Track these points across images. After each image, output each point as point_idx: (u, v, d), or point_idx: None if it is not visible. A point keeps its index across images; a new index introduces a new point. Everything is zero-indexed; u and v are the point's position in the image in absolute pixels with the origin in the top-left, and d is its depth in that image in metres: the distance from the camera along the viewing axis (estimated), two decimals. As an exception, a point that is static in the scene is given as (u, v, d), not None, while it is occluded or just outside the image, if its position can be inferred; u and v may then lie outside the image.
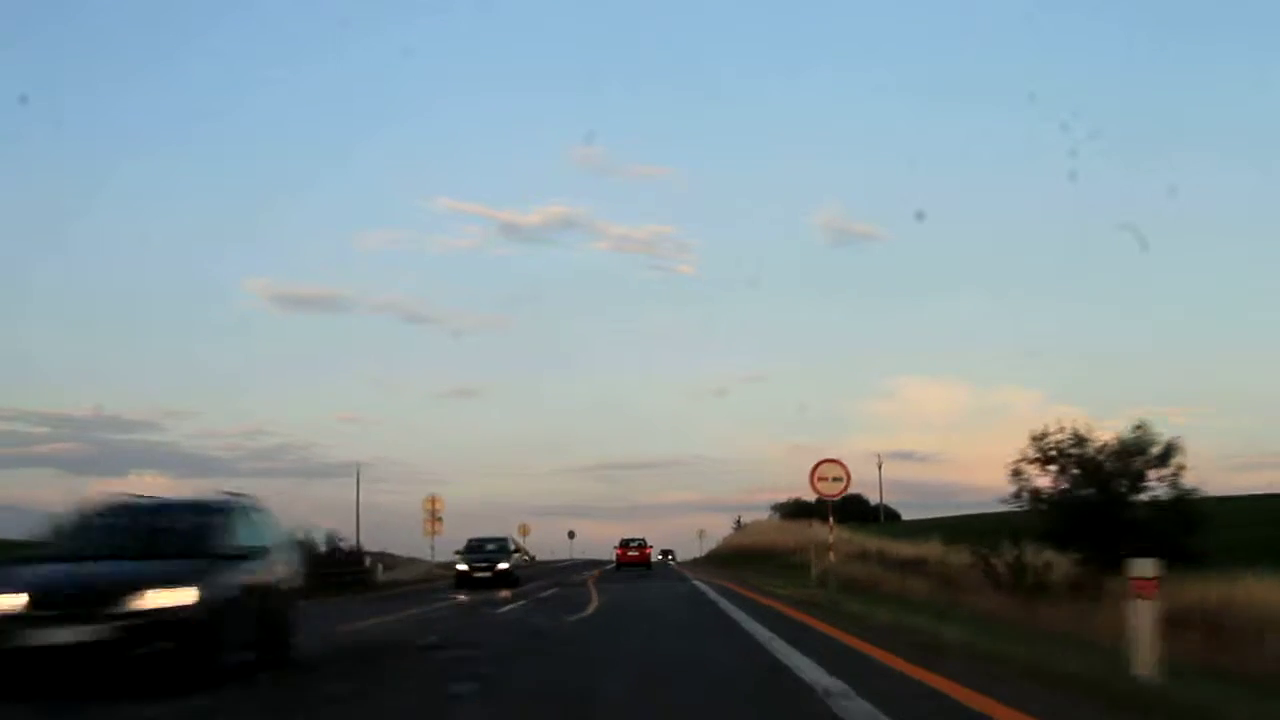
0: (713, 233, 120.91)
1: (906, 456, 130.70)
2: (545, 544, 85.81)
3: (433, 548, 40.48)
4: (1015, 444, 23.34)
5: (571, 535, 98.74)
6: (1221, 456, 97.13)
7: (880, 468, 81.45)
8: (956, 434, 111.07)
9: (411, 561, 50.00)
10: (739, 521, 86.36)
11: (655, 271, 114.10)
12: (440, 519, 41.64)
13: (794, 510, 75.57)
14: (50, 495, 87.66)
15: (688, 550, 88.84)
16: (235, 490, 11.04)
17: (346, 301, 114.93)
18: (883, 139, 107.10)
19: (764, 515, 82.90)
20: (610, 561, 57.97)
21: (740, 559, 58.00)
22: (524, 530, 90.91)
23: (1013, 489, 23.80)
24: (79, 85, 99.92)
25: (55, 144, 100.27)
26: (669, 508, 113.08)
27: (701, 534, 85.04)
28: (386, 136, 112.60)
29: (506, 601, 22.30)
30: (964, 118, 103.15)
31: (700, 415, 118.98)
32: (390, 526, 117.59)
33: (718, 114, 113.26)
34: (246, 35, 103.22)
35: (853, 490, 75.91)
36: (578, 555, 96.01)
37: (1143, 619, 7.66)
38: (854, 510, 67.64)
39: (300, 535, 18.38)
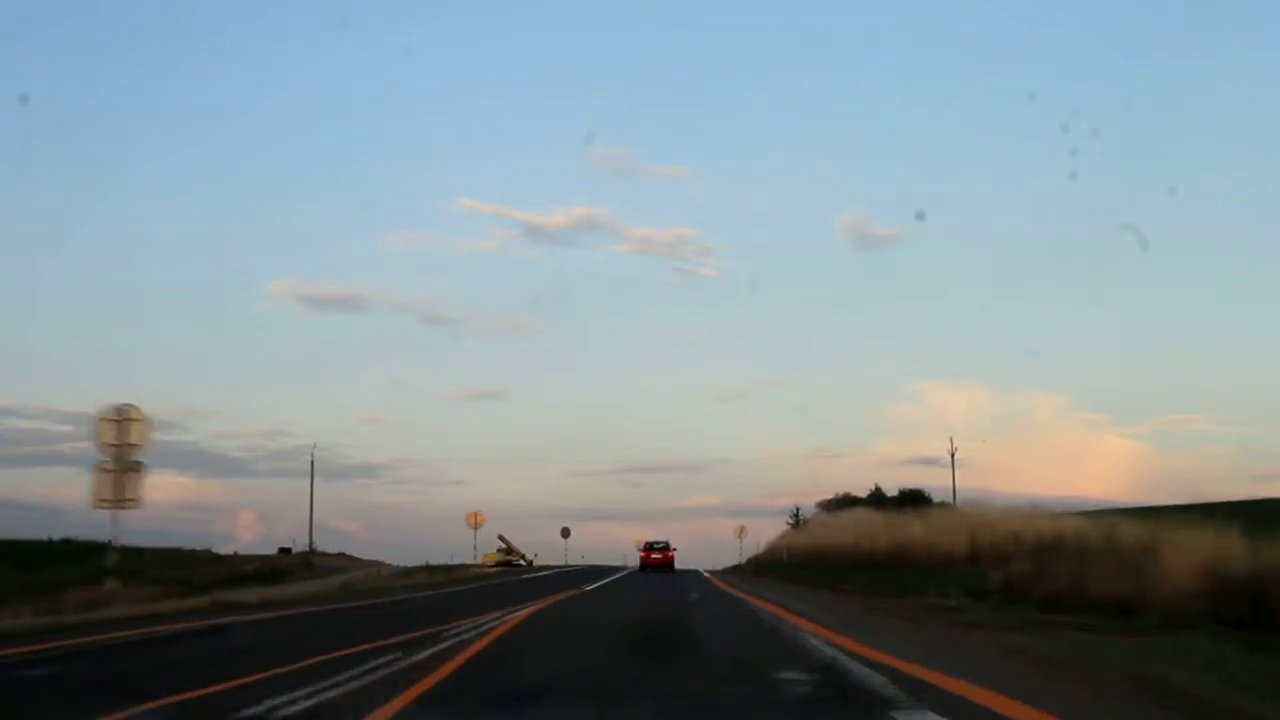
0: (735, 236, 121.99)
1: (931, 462, 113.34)
2: (558, 547, 73.57)
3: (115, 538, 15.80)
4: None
5: (565, 534, 74.75)
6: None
7: (954, 456, 62.36)
8: (980, 440, 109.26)
9: (371, 564, 46.34)
10: (798, 516, 60.77)
11: (678, 274, 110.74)
12: (139, 460, 16.16)
13: (846, 505, 61.38)
14: (73, 494, 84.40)
15: (710, 555, 67.97)
16: None
17: (368, 302, 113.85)
18: (886, 142, 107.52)
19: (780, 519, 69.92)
20: (614, 570, 48.66)
21: (836, 571, 32.58)
22: (476, 519, 65.98)
23: None
24: (100, 85, 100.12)
25: (76, 146, 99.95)
26: (689, 511, 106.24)
27: (742, 532, 59.40)
28: (409, 137, 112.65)
29: None
30: (964, 119, 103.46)
31: (721, 419, 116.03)
32: (403, 529, 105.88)
33: (740, 116, 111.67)
34: (268, 35, 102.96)
35: (912, 484, 59.83)
36: (588, 560, 77.12)
37: None
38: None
39: None
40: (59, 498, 78.08)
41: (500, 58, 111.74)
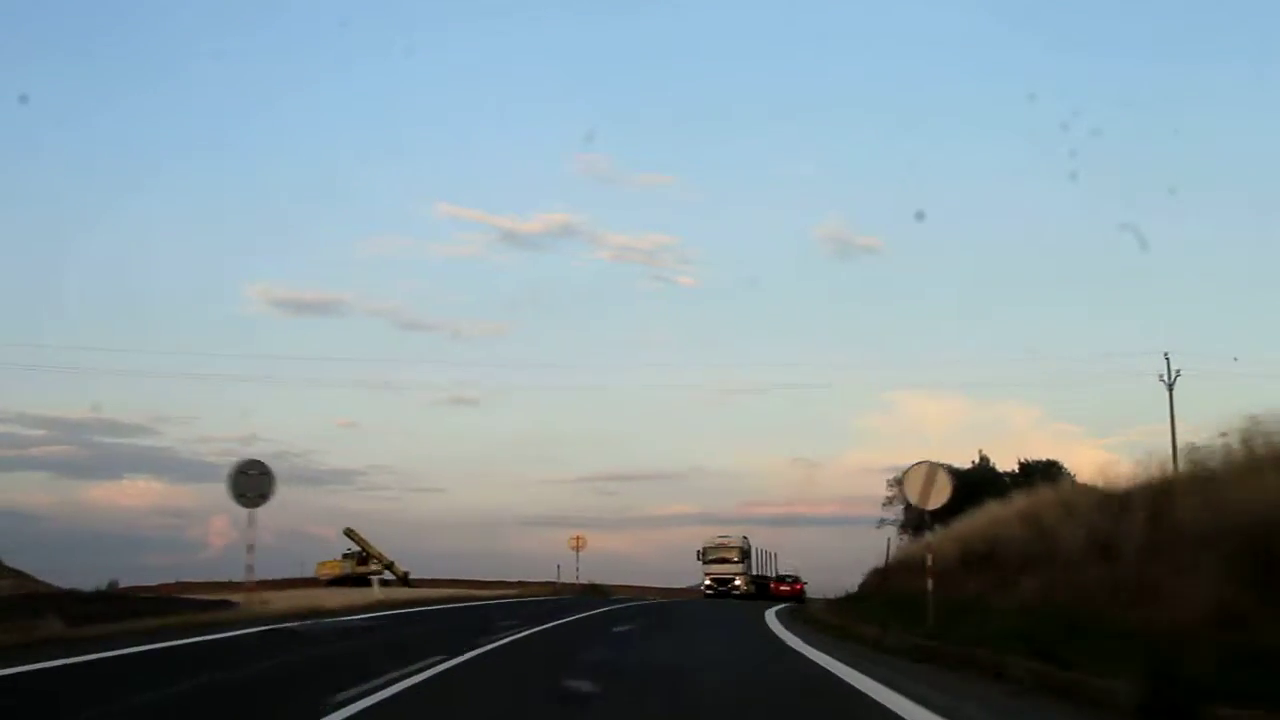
0: (714, 243, 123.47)
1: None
2: (537, 558, 51.54)
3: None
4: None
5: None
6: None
7: (1171, 387, 45.88)
8: (954, 450, 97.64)
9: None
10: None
11: (656, 282, 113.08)
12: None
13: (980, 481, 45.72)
14: (44, 499, 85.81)
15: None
16: None
17: (345, 307, 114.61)
18: (883, 142, 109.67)
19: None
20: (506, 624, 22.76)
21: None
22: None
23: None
24: (75, 87, 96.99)
25: (55, 146, 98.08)
26: (665, 520, 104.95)
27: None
28: (387, 141, 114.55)
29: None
30: (963, 119, 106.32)
31: (698, 427, 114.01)
32: (381, 537, 76.69)
33: (720, 124, 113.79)
34: (246, 40, 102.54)
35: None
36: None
37: None
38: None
39: None
40: (29, 503, 77.08)
41: (480, 62, 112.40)
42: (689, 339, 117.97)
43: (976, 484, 45.94)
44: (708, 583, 52.68)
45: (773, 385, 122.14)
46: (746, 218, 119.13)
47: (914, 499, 17.84)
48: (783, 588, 53.33)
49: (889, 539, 33.99)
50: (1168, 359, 46.23)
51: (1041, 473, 45.54)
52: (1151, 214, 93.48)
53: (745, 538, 55.55)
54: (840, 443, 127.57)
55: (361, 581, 56.50)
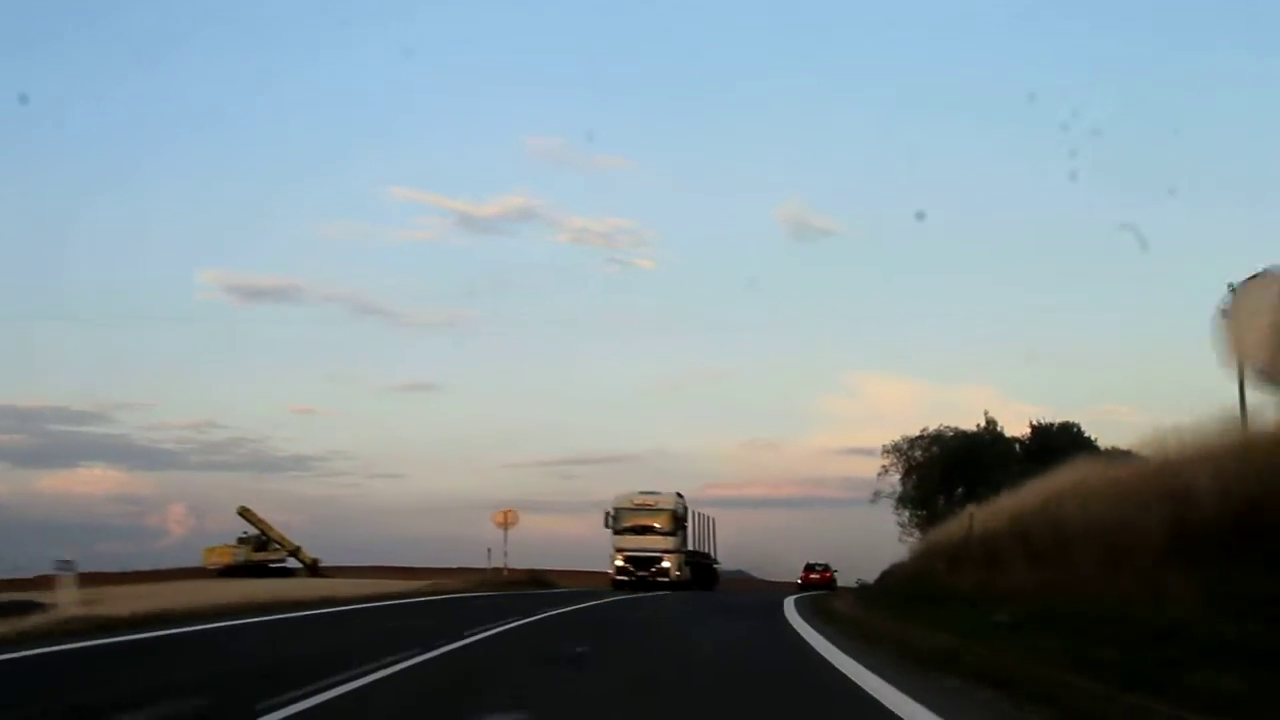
0: (674, 226, 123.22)
1: (870, 453, 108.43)
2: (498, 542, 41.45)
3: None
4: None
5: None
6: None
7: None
8: (915, 431, 75.43)
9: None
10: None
11: (615, 265, 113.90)
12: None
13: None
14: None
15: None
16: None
17: (301, 293, 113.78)
18: (879, 140, 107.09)
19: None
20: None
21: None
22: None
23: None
24: (30, 76, 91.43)
25: (28, 137, 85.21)
26: None
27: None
28: (343, 126, 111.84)
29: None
30: (963, 118, 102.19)
31: (659, 410, 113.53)
32: (328, 520, 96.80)
33: (681, 107, 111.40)
34: (202, 27, 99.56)
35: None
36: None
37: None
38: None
39: None
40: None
41: (438, 47, 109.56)
42: (648, 321, 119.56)
43: (986, 448, 44.58)
44: (619, 564, 37.42)
45: (731, 367, 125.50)
46: (705, 200, 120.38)
47: (1254, 358, 7.52)
48: (813, 576, 54.69)
49: (970, 512, 23.46)
50: (1232, 290, 38.16)
51: (1058, 437, 43.58)
52: (1152, 214, 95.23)
53: (680, 497, 40.11)
54: (801, 425, 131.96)
55: (259, 571, 45.97)
